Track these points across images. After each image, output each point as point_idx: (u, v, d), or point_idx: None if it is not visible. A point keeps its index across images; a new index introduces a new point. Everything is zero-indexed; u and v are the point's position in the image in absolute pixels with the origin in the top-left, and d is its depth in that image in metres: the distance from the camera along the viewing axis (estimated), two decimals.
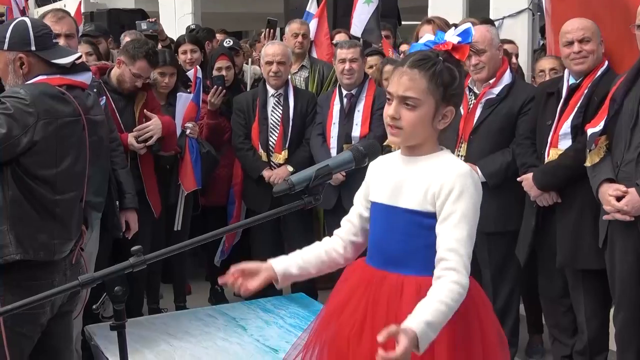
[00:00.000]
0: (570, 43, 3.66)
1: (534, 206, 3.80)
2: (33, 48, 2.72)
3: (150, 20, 6.38)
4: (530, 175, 3.76)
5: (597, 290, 3.68)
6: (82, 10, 10.06)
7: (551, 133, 3.72)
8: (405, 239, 2.10)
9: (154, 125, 4.34)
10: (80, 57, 2.91)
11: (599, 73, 3.65)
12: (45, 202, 2.68)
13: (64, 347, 2.98)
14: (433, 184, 2.06)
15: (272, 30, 6.15)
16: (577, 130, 3.61)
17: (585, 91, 3.64)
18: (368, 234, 2.27)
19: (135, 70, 4.27)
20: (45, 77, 2.73)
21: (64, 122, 2.70)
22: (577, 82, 3.69)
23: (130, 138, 4.27)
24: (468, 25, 2.13)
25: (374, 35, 6.08)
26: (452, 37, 2.09)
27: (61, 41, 3.61)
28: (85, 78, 2.88)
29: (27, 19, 2.80)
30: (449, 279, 1.98)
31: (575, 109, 3.65)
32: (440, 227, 2.04)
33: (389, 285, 2.11)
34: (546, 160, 3.73)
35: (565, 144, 3.67)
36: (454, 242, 2.00)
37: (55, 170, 2.69)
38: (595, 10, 3.86)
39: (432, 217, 2.07)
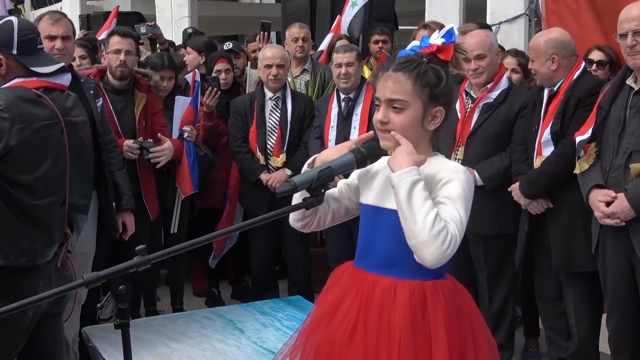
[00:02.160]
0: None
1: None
2: (14, 52, 2.68)
3: (150, 23, 6.38)
4: (517, 184, 3.79)
5: (588, 293, 3.71)
6: (79, 13, 10.04)
7: (536, 141, 3.74)
8: (393, 240, 2.06)
9: (169, 150, 4.40)
10: (62, 68, 2.82)
11: (574, 77, 3.67)
12: (24, 207, 2.64)
13: (55, 350, 2.95)
14: (426, 185, 2.02)
15: (266, 33, 6.16)
16: (558, 137, 3.64)
17: (562, 97, 3.66)
18: (327, 220, 2.30)
19: (111, 48, 4.33)
20: (22, 79, 2.69)
21: (40, 125, 2.66)
22: (555, 89, 3.71)
23: (126, 142, 4.25)
24: (451, 25, 2.15)
25: (356, 29, 6.21)
26: (436, 39, 2.10)
27: (58, 43, 3.59)
28: (64, 80, 2.83)
29: (15, 20, 2.73)
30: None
31: (554, 115, 3.67)
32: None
33: (382, 288, 2.08)
34: (534, 167, 3.75)
35: (548, 150, 3.69)
36: (447, 215, 1.95)
37: (34, 175, 2.65)
38: (596, 15, 3.87)
39: None
